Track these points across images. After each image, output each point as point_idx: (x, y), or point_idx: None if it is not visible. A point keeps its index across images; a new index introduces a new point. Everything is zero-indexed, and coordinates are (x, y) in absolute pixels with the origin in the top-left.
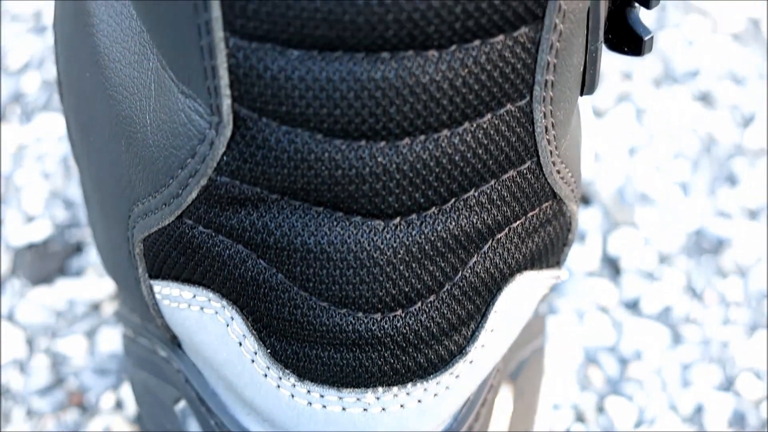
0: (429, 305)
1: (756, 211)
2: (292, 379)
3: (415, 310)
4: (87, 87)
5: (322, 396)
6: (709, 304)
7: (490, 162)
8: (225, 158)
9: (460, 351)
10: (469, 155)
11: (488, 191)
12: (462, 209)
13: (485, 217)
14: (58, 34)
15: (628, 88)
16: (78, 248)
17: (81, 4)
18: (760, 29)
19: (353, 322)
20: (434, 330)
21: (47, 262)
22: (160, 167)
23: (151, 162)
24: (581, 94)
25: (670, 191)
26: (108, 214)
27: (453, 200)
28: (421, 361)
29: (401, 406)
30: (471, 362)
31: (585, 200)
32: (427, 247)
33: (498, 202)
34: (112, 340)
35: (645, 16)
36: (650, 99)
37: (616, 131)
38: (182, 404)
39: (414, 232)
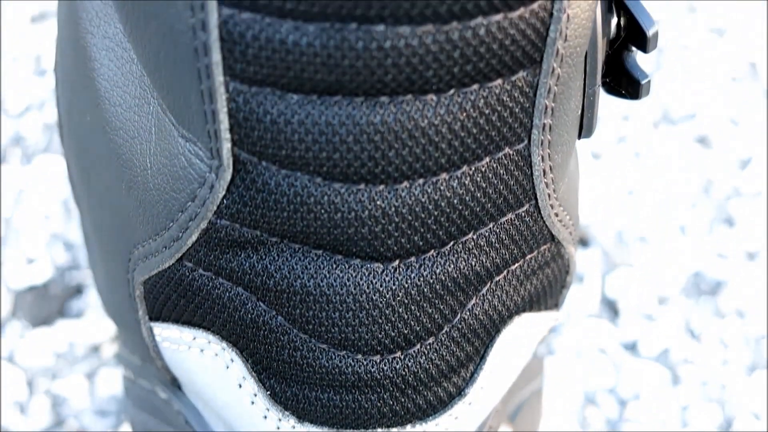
0: (428, 347)
1: (754, 253)
2: (292, 421)
3: (414, 352)
4: (88, 130)
5: None
6: (708, 346)
7: (489, 205)
8: (225, 201)
9: (459, 393)
10: (467, 198)
11: (487, 234)
12: (461, 252)
13: (484, 260)
14: (60, 78)
15: (626, 130)
16: (78, 290)
17: (82, 49)
18: (757, 72)
19: (352, 364)
20: (433, 372)
21: (47, 304)
22: (160, 210)
23: (151, 205)
24: (579, 138)
25: (669, 233)
26: (108, 256)
27: (452, 243)
28: (420, 402)
29: None
30: (470, 404)
31: (583, 242)
32: (425, 290)
33: (496, 245)
34: (112, 381)
35: (642, 58)
36: (648, 141)
37: (615, 173)
38: None
39: (413, 275)
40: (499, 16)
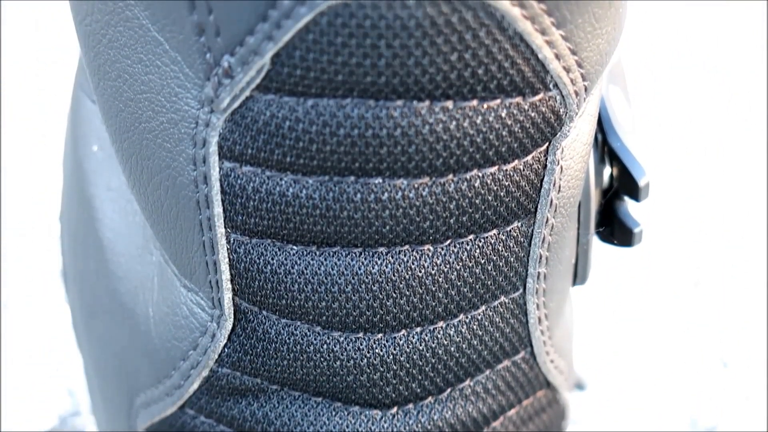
0: None
1: (749, 395)
2: None
3: None
4: (91, 278)
5: None
6: None
7: (485, 353)
8: (226, 350)
9: None
10: (464, 346)
11: (483, 381)
12: (458, 399)
13: (480, 407)
14: (65, 226)
15: (619, 275)
16: None
17: (86, 199)
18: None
19: None
20: None
21: None
22: (162, 358)
23: (153, 353)
24: (573, 284)
25: (663, 376)
26: (111, 402)
27: (449, 390)
28: None
29: None
30: None
31: (579, 386)
32: None
33: (493, 391)
34: None
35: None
36: (641, 285)
37: (609, 317)
38: None
39: (411, 422)
40: (493, 169)
